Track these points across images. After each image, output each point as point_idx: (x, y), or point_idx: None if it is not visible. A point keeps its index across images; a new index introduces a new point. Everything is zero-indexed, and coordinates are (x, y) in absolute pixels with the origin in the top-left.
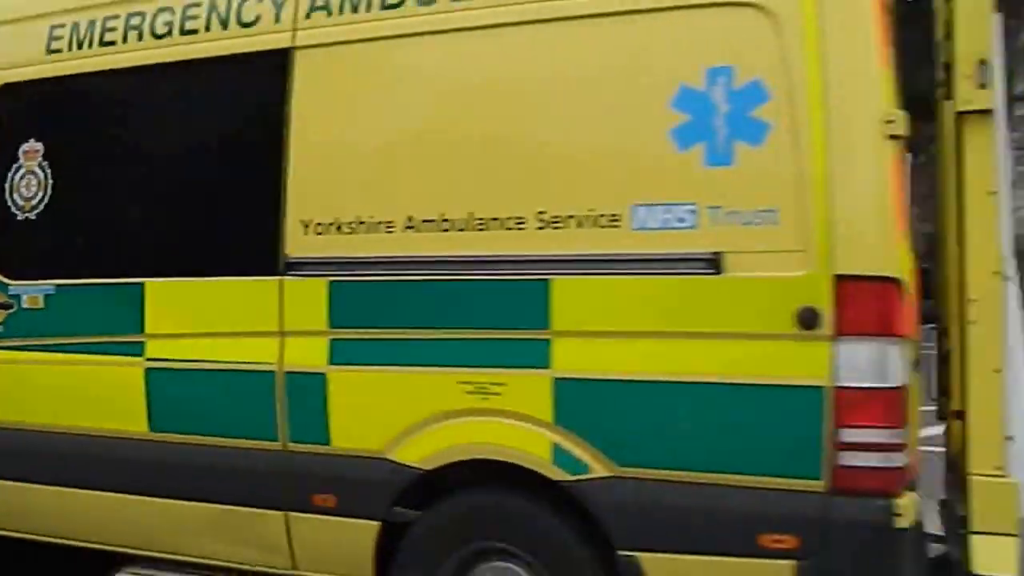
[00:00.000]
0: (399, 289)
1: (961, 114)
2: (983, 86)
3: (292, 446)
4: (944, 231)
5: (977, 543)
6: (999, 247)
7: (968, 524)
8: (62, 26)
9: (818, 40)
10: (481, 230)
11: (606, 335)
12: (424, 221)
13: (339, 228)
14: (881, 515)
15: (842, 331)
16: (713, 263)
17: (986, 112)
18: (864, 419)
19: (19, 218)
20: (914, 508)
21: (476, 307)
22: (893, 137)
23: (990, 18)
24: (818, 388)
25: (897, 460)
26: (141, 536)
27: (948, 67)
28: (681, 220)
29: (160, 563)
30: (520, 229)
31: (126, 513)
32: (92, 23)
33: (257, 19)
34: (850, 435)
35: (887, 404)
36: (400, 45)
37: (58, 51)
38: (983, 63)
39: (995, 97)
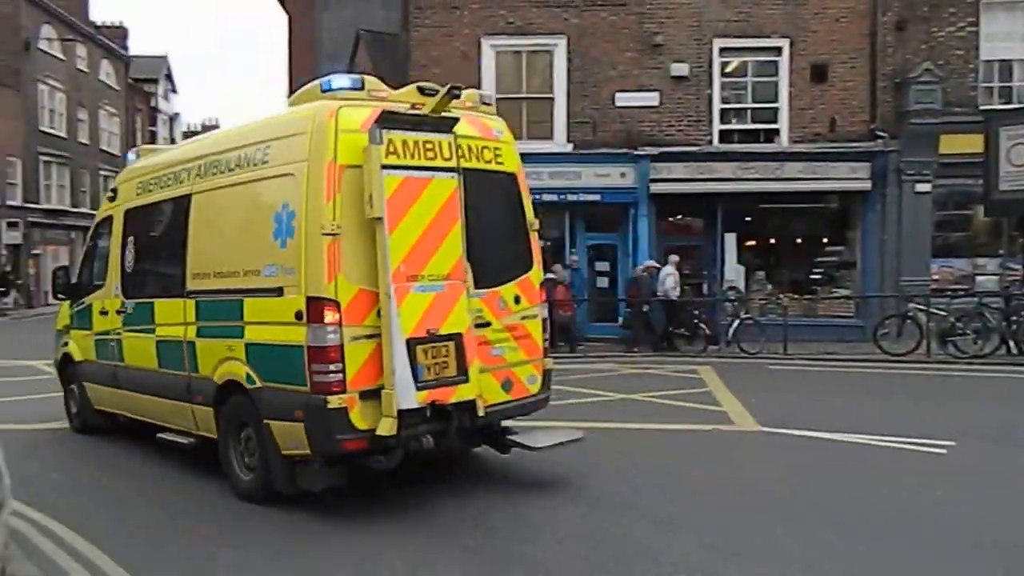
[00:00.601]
0: (208, 303)
1: (371, 219)
2: (372, 206)
3: (190, 374)
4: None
5: (382, 420)
6: (389, 283)
7: (384, 412)
8: (143, 182)
9: (307, 188)
10: (227, 276)
11: (256, 323)
12: (215, 272)
13: (196, 276)
14: (322, 402)
15: (308, 321)
16: (280, 292)
17: (379, 219)
18: (316, 360)
19: (127, 271)
20: (342, 401)
21: (224, 312)
22: (327, 234)
23: (376, 174)
24: (302, 346)
25: (331, 378)
26: (156, 415)
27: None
28: (273, 273)
29: (175, 431)
30: (232, 277)
31: (151, 404)
32: (146, 181)
33: (183, 180)
34: (313, 367)
35: (323, 353)
36: (202, 196)
37: (139, 193)
38: (371, 197)
39: (379, 211)
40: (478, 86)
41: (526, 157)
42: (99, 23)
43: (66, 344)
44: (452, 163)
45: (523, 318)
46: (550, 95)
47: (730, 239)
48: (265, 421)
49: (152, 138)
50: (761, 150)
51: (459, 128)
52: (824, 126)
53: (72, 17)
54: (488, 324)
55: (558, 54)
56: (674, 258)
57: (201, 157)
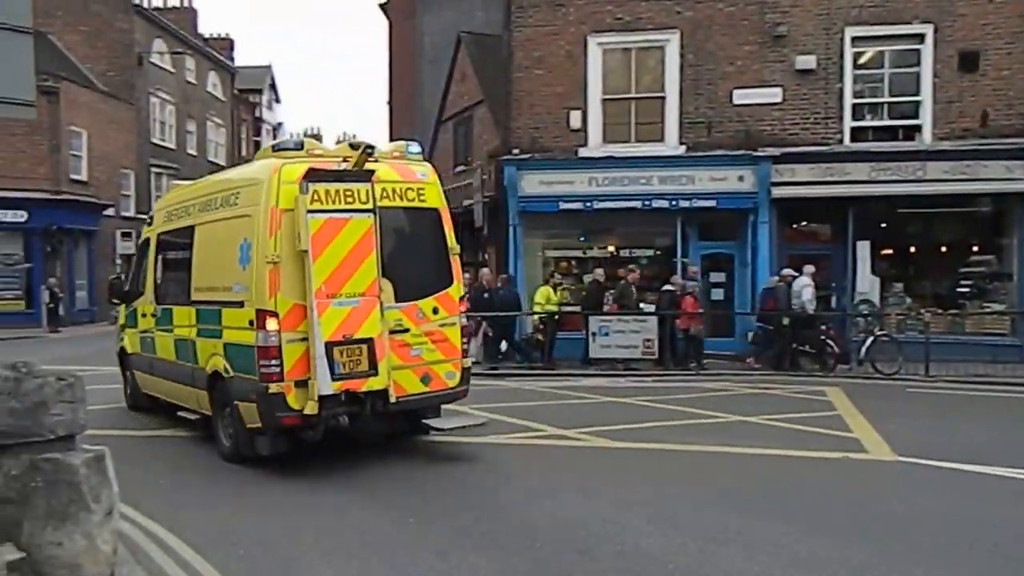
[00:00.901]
0: (203, 311)
1: (300, 251)
2: (300, 241)
3: (195, 366)
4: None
5: (308, 403)
6: (312, 299)
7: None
8: (168, 213)
9: (257, 225)
10: (214, 290)
11: (229, 327)
12: (207, 287)
13: (197, 289)
14: (266, 388)
15: (257, 327)
16: (242, 304)
17: (305, 251)
18: (262, 356)
19: (158, 283)
20: (281, 388)
21: (212, 318)
22: (270, 262)
23: (302, 217)
24: (254, 346)
25: (272, 370)
26: (175, 396)
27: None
28: (239, 289)
29: (187, 409)
30: (216, 291)
31: (172, 388)
32: (170, 211)
33: (190, 213)
34: (260, 362)
35: (267, 352)
36: (201, 227)
37: (165, 221)
38: (299, 234)
39: (305, 245)
40: (584, 86)
41: (635, 160)
42: (207, 35)
43: (122, 339)
44: (369, 205)
45: (441, 325)
46: (661, 94)
47: (863, 248)
48: (235, 402)
49: (256, 148)
50: (900, 149)
51: (383, 174)
52: (975, 120)
53: (182, 31)
54: (407, 330)
55: (670, 50)
56: (809, 268)
57: (202, 196)
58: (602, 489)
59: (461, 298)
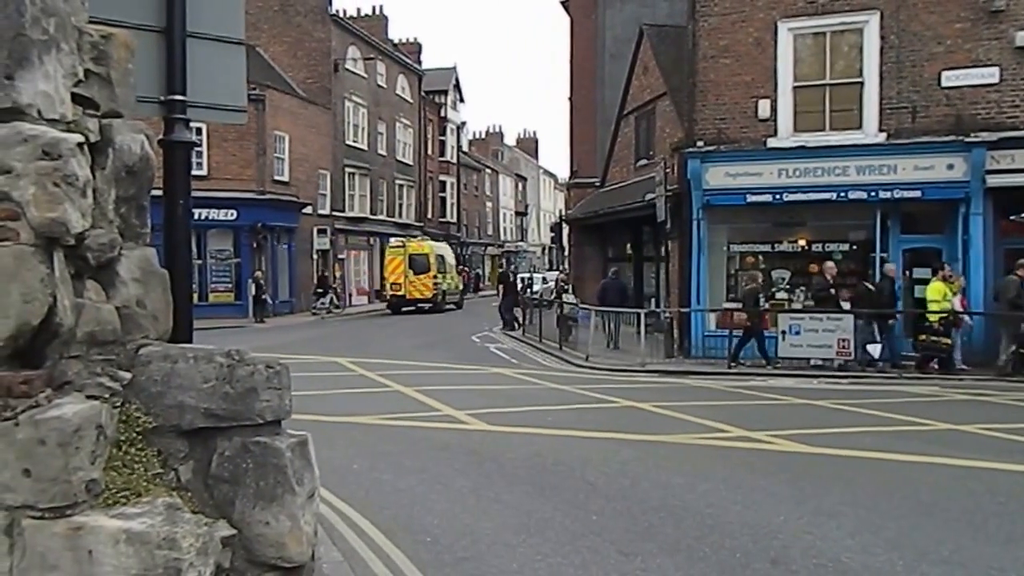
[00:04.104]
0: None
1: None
2: (394, 262)
3: None
4: None
5: (391, 297)
6: (388, 273)
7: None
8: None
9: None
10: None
11: None
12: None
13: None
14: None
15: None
16: None
17: (389, 263)
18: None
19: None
20: (390, 292)
21: None
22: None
23: (388, 255)
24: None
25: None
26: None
27: None
28: None
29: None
30: None
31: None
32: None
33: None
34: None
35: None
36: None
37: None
38: (392, 260)
39: (387, 262)
40: (773, 74)
41: (829, 150)
42: (396, 40)
43: None
44: (402, 252)
45: (425, 282)
46: (859, 79)
47: None
48: None
49: (441, 147)
50: None
51: (413, 244)
52: None
53: (374, 38)
54: (415, 282)
55: (869, 32)
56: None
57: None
58: (794, 495)
59: (434, 275)
